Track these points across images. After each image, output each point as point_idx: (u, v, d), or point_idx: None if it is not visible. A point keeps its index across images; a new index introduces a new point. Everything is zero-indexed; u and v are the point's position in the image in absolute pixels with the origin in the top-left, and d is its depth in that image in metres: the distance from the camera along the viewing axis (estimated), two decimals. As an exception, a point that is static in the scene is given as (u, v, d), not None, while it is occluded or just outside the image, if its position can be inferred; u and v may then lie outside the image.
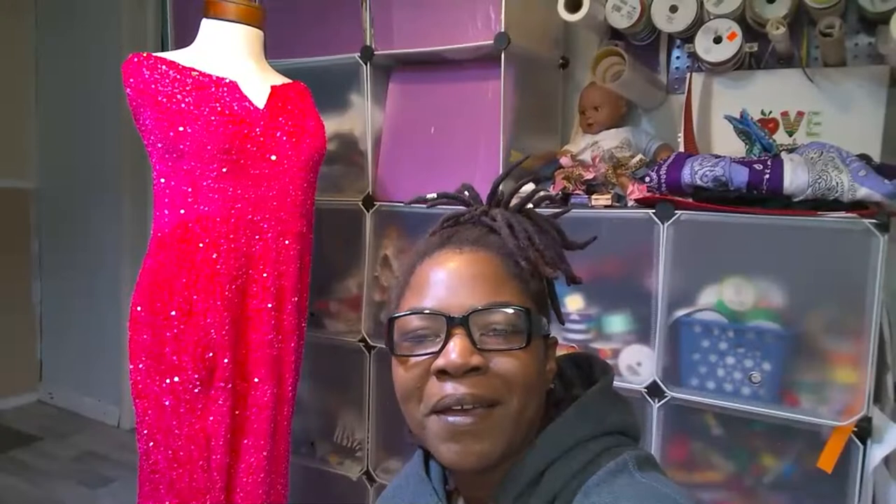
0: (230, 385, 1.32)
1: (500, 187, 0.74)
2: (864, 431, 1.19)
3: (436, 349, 0.62)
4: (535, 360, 0.63)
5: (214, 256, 1.30)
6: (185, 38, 1.55)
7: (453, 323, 0.61)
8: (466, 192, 0.76)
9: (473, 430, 0.60)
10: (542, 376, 0.66)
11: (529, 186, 1.54)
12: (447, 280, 0.64)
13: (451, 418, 0.60)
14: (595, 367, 0.74)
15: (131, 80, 1.26)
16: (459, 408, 0.60)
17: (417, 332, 0.64)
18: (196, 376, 1.28)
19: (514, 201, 0.73)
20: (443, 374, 0.61)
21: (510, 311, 0.62)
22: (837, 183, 1.20)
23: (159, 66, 1.27)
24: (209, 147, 1.27)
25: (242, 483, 1.36)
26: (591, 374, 0.73)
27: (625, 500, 0.56)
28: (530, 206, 0.73)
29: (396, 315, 0.65)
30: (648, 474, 0.60)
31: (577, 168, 1.56)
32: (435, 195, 0.78)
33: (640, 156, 1.55)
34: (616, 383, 1.52)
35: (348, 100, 1.82)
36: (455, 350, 0.60)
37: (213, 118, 1.27)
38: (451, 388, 0.60)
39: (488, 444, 0.60)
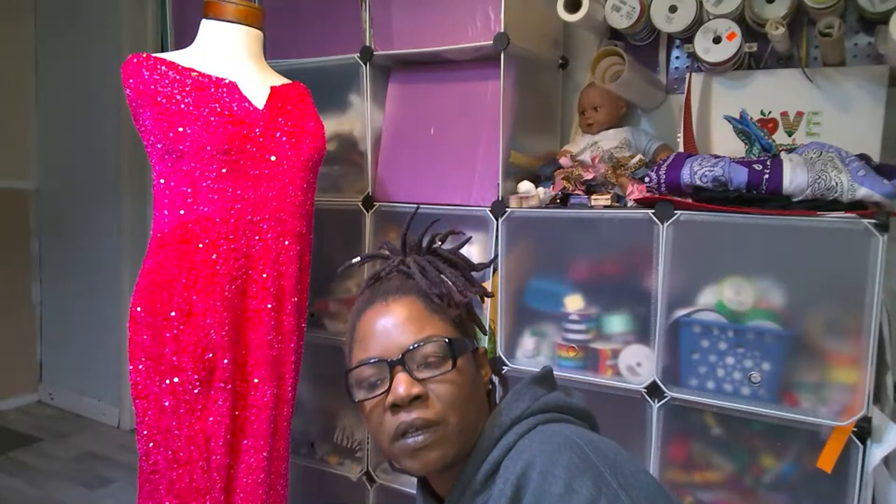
0: (230, 386, 1.32)
1: (408, 235, 0.88)
2: (864, 431, 1.19)
3: (385, 389, 0.75)
4: (465, 377, 0.78)
5: (214, 257, 1.30)
6: (185, 38, 1.55)
7: (393, 364, 0.75)
8: (386, 249, 0.90)
9: (426, 445, 0.74)
10: (477, 385, 0.81)
11: (524, 185, 1.55)
12: (381, 330, 0.78)
13: (408, 440, 0.74)
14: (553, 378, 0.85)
15: (131, 80, 1.26)
16: (413, 430, 0.74)
17: (369, 380, 0.77)
18: (196, 377, 1.28)
19: (423, 244, 0.87)
20: (395, 407, 0.74)
21: (434, 343, 0.76)
22: (837, 183, 1.20)
23: (159, 66, 1.27)
24: (209, 147, 1.27)
25: (242, 483, 1.36)
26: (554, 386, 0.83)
27: (537, 454, 0.68)
28: (438, 244, 0.88)
29: (350, 368, 0.79)
30: (555, 425, 0.74)
31: (576, 168, 1.56)
32: (359, 258, 0.94)
33: (639, 156, 1.56)
34: (616, 383, 1.52)
35: (348, 100, 1.82)
36: (400, 385, 0.74)
37: (212, 119, 1.27)
38: (403, 416, 0.74)
39: (441, 452, 0.75)
